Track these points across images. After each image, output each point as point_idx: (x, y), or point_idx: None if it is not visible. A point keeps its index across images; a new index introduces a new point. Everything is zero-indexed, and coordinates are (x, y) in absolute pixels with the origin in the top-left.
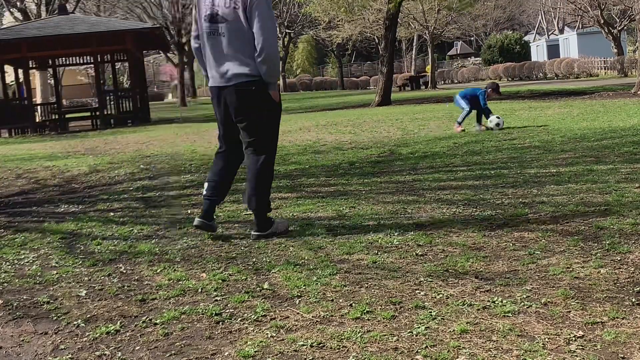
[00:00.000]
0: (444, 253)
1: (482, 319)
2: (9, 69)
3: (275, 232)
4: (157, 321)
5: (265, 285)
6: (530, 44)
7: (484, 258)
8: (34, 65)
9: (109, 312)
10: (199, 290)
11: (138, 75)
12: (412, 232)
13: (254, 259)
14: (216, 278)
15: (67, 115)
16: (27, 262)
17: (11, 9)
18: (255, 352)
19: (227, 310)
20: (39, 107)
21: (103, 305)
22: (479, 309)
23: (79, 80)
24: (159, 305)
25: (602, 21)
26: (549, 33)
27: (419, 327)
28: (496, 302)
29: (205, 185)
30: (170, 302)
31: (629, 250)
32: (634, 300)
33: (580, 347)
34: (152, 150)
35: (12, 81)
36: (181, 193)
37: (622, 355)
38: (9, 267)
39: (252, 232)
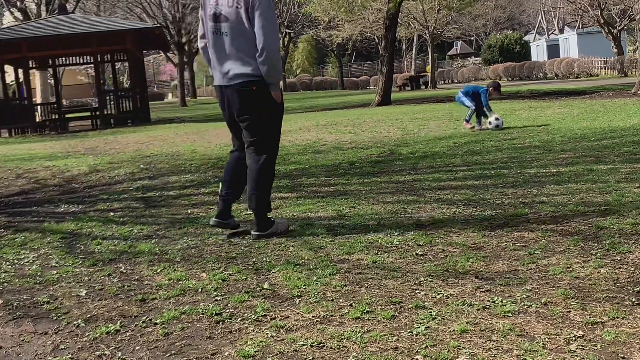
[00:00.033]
0: (444, 253)
1: (482, 319)
2: (9, 69)
3: (275, 232)
4: (157, 321)
5: (265, 285)
6: (530, 44)
7: (484, 258)
8: (34, 65)
9: (109, 312)
10: (199, 290)
11: (138, 75)
12: (412, 232)
13: (254, 259)
14: (216, 278)
15: (67, 115)
16: (27, 262)
17: (11, 9)
18: (255, 352)
19: (227, 310)
20: (39, 107)
21: (103, 305)
22: (479, 309)
23: (79, 80)
24: (159, 305)
25: (602, 21)
26: (549, 33)
27: (419, 327)
28: (496, 302)
29: (220, 184)
30: (170, 302)
31: (629, 250)
32: (634, 300)
33: (580, 347)
34: (152, 150)
35: (12, 81)
36: (181, 193)
37: (622, 355)
38: (9, 267)
39: (252, 232)
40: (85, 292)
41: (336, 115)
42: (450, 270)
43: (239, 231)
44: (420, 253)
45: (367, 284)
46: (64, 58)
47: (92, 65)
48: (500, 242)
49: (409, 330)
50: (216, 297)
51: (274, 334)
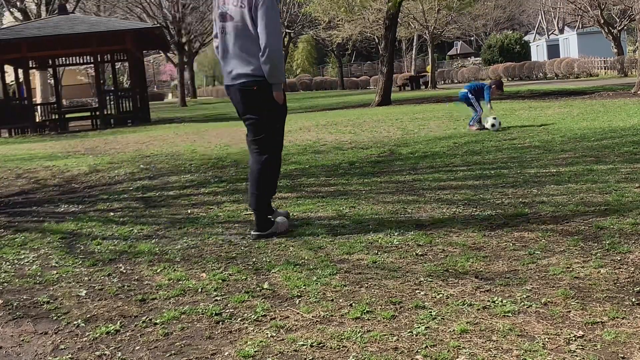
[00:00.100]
0: (444, 253)
1: (482, 319)
2: (9, 69)
3: (276, 232)
4: (157, 321)
5: (265, 285)
6: (530, 44)
7: (484, 258)
8: (34, 65)
9: (109, 312)
10: (199, 290)
11: (138, 75)
12: (412, 232)
13: (254, 259)
14: (216, 278)
15: (67, 115)
16: (27, 262)
17: (11, 9)
18: (255, 352)
19: (227, 310)
20: (39, 107)
21: (103, 305)
22: (479, 309)
23: (79, 80)
24: (159, 305)
25: (602, 21)
26: (549, 33)
27: (419, 327)
28: (496, 302)
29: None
30: (170, 302)
31: (629, 250)
32: (634, 300)
33: (580, 347)
34: (152, 150)
35: (12, 81)
36: (181, 193)
37: (622, 355)
38: (9, 267)
39: (252, 232)
40: (85, 292)
41: (336, 115)
42: (450, 270)
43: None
44: (420, 253)
45: (367, 284)
46: (64, 58)
47: (92, 65)
48: (500, 242)
49: (409, 330)
50: (216, 297)
51: (274, 334)
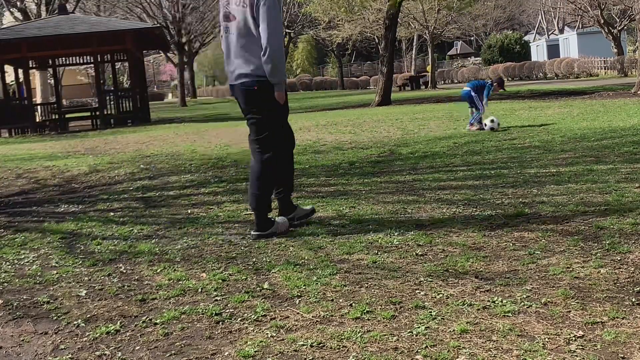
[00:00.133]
0: (444, 253)
1: (482, 319)
2: (9, 69)
3: (276, 232)
4: (157, 321)
5: (265, 285)
6: (530, 44)
7: (484, 258)
8: (34, 65)
9: (109, 312)
10: (199, 290)
11: (138, 75)
12: (412, 232)
13: (254, 259)
14: (216, 278)
15: (67, 115)
16: (27, 262)
17: (11, 9)
18: (255, 352)
19: (227, 310)
20: (39, 107)
21: (103, 305)
22: (479, 309)
23: (79, 80)
24: (159, 305)
25: (602, 21)
26: (549, 33)
27: (419, 327)
28: (496, 302)
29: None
30: (170, 302)
31: (629, 250)
32: (634, 300)
33: (580, 347)
34: (152, 150)
35: (12, 81)
36: (181, 193)
37: (622, 355)
38: (9, 267)
39: (252, 232)
40: (85, 292)
41: (336, 115)
42: (450, 270)
43: (308, 211)
44: (420, 253)
45: (367, 284)
46: (64, 58)
47: (92, 65)
48: (500, 242)
49: (409, 330)
50: (216, 297)
51: (274, 334)
